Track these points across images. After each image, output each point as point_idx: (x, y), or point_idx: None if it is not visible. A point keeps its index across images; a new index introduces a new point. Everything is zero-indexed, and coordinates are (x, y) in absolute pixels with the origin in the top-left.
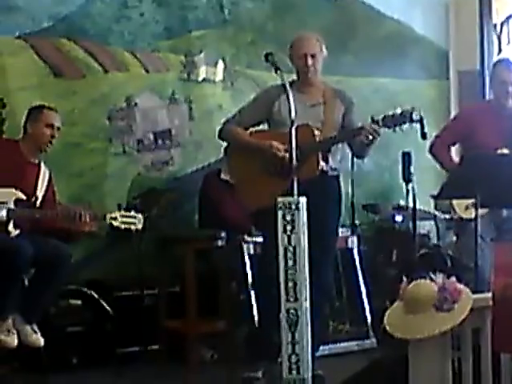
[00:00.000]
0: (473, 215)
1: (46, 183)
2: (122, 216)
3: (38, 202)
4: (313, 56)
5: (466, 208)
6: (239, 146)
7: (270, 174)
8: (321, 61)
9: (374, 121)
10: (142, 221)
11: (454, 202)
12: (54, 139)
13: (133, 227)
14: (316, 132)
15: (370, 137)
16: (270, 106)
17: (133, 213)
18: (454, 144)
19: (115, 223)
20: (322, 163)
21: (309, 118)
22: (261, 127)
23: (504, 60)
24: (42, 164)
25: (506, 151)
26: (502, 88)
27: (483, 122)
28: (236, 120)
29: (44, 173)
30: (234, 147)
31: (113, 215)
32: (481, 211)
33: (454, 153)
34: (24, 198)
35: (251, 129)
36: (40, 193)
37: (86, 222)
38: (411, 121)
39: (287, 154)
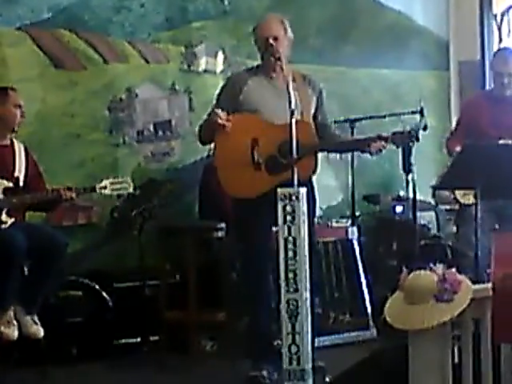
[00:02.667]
0: (471, 201)
1: (24, 160)
2: (112, 183)
3: (21, 183)
4: (275, 39)
5: (464, 193)
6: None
7: (255, 167)
8: (286, 44)
9: (382, 137)
10: (131, 184)
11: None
12: (23, 118)
13: (124, 192)
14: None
15: (378, 151)
16: (237, 96)
17: (120, 178)
18: (467, 138)
19: (106, 192)
20: None
21: (282, 106)
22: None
23: (502, 50)
24: (15, 142)
25: (509, 141)
26: (498, 79)
27: (484, 111)
28: None
29: (19, 151)
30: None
31: (102, 184)
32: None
33: None
34: (11, 185)
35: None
36: (20, 173)
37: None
38: (417, 140)
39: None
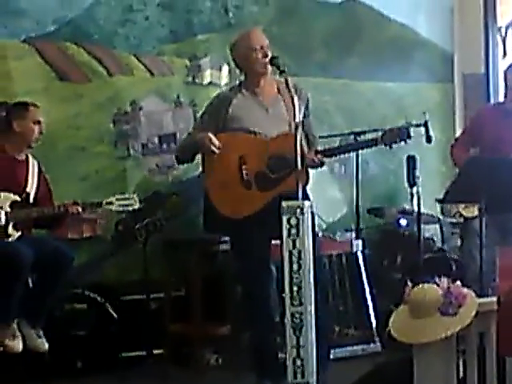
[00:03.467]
0: (474, 213)
1: (36, 177)
2: (118, 199)
3: (31, 199)
4: (267, 47)
5: (466, 206)
6: (191, 146)
7: (245, 186)
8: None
9: (370, 140)
10: (137, 200)
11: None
12: (42, 135)
13: (130, 208)
14: (303, 142)
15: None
16: (223, 115)
17: (127, 195)
18: (472, 147)
19: (112, 207)
20: None
21: (270, 120)
22: None
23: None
24: (30, 158)
25: None
26: (509, 93)
27: (493, 124)
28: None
29: (33, 167)
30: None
31: (108, 200)
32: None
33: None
34: (19, 199)
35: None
36: (31, 189)
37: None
38: (409, 137)
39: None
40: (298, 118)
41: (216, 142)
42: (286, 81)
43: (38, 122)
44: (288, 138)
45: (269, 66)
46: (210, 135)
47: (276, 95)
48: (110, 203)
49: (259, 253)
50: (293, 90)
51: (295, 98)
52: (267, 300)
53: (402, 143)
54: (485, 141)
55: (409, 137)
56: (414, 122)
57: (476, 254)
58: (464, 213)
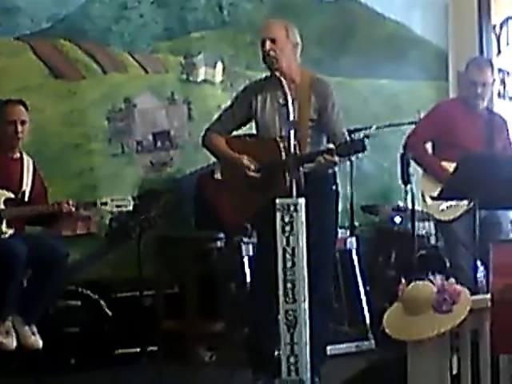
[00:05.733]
0: (450, 217)
1: (31, 175)
2: (112, 200)
3: (26, 197)
4: (272, 41)
5: (442, 210)
6: (219, 157)
7: (248, 188)
8: (288, 49)
9: (328, 150)
10: (131, 202)
11: (429, 203)
12: (23, 134)
13: (124, 209)
14: (282, 147)
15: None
16: (249, 107)
17: (122, 195)
18: (429, 140)
19: (106, 208)
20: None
21: (280, 118)
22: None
23: (477, 59)
24: (25, 156)
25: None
26: (472, 89)
27: (460, 120)
28: (217, 126)
29: (28, 165)
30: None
31: (103, 200)
32: (458, 214)
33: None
34: (13, 196)
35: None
36: (26, 187)
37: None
38: (363, 150)
39: (255, 173)
40: (292, 116)
41: (252, 167)
42: (280, 79)
43: (14, 122)
44: (269, 145)
45: (273, 57)
46: (247, 160)
47: (292, 95)
48: (105, 203)
49: (269, 250)
50: (312, 86)
51: (288, 96)
52: (271, 294)
53: (360, 155)
54: (451, 136)
55: (364, 149)
56: (408, 120)
57: (463, 263)
58: (438, 216)
